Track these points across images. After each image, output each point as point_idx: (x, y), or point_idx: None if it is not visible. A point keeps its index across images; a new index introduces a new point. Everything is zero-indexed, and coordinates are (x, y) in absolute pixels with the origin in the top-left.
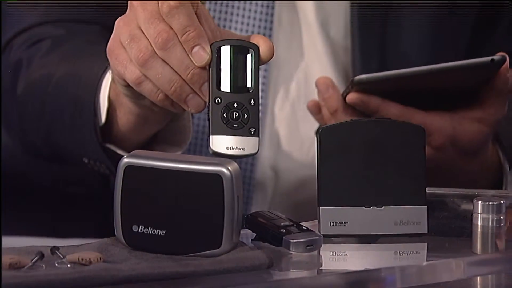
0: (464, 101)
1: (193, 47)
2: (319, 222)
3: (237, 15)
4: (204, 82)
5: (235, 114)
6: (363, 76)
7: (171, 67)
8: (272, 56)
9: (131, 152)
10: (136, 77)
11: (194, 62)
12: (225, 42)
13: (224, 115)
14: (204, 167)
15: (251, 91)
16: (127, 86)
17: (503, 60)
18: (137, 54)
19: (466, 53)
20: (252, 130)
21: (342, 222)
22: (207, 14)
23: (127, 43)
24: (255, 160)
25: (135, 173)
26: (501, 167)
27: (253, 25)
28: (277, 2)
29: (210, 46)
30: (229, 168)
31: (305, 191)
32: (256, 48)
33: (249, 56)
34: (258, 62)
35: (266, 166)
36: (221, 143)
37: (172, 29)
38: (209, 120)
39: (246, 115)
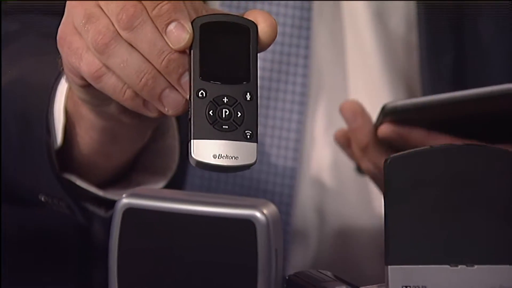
0: None
1: (167, 24)
2: (387, 286)
3: (263, 1)
4: (183, 72)
5: (225, 111)
6: (398, 102)
7: (140, 53)
8: (275, 37)
9: (132, 190)
10: (95, 68)
11: (170, 45)
12: (211, 17)
13: (210, 113)
14: (231, 211)
15: (246, 82)
16: (85, 86)
17: None
18: (95, 38)
19: None
20: (248, 133)
21: (419, 287)
22: None
23: (82, 25)
24: (292, 199)
25: (138, 219)
26: None
27: (285, 15)
28: None
29: (191, 23)
30: (265, 211)
31: (364, 242)
32: (253, 26)
33: (243, 36)
34: (256, 44)
35: (308, 208)
36: (207, 150)
37: (140, 2)
38: (190, 120)
39: (240, 114)
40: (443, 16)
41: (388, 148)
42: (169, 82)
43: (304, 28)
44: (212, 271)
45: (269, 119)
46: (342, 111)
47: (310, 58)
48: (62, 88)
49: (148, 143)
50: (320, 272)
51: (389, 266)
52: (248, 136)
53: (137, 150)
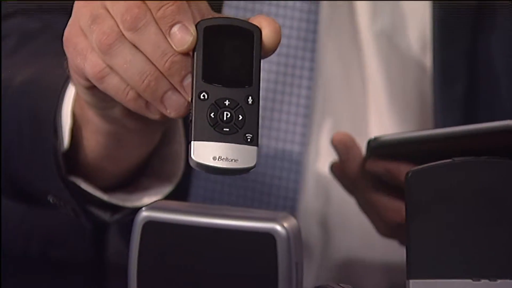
0: None
1: (171, 26)
2: None
3: (268, 13)
4: (186, 74)
5: (226, 114)
6: (386, 137)
7: (143, 54)
8: (279, 42)
9: (152, 203)
10: (99, 69)
11: (173, 46)
12: (215, 20)
13: (212, 115)
14: (251, 224)
15: (248, 85)
16: (89, 88)
17: None
18: (100, 38)
19: None
20: (249, 136)
21: None
22: None
23: (87, 26)
24: (295, 212)
25: (158, 232)
26: None
27: (290, 27)
28: None
29: (196, 25)
30: (285, 225)
31: (368, 256)
32: (257, 31)
33: (247, 40)
34: (259, 49)
35: (312, 220)
36: (206, 152)
37: (145, 3)
38: (191, 121)
39: (241, 117)
40: (460, 38)
41: (375, 183)
42: (172, 84)
43: (309, 41)
44: (232, 285)
45: (272, 131)
46: (332, 143)
47: (315, 70)
48: (70, 91)
49: (157, 148)
50: (341, 286)
51: (410, 281)
52: (249, 140)
53: (145, 155)
